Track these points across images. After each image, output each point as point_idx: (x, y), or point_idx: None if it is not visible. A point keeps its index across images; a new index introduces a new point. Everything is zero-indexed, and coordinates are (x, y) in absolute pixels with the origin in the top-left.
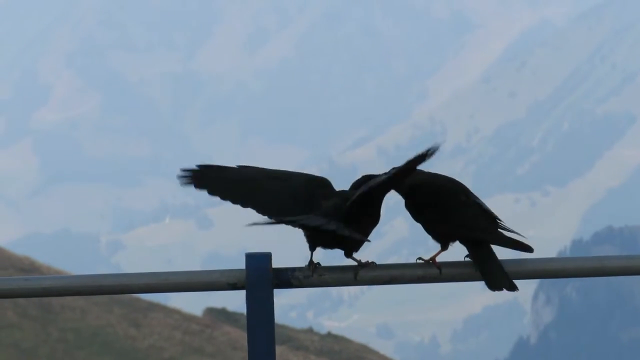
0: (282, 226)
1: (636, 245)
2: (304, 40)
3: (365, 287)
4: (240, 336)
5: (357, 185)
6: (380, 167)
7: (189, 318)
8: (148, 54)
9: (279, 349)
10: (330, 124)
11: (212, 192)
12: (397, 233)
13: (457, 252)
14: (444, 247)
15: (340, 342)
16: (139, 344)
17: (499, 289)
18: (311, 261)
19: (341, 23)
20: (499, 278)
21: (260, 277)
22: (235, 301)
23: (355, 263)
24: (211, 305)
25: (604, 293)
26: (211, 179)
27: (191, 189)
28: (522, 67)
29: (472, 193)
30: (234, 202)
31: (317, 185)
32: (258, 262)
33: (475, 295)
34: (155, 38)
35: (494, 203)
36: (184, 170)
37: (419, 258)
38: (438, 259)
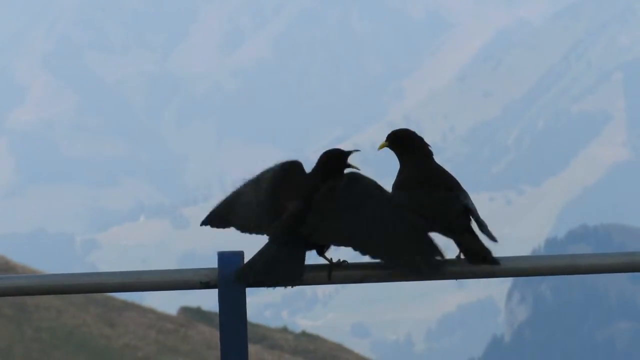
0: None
1: (611, 243)
2: (281, 40)
3: (340, 286)
4: (215, 335)
5: (325, 162)
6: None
7: (163, 317)
8: (124, 54)
9: (253, 348)
10: (307, 124)
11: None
12: None
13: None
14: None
15: (315, 341)
16: (113, 343)
17: (480, 261)
18: (330, 259)
19: (317, 23)
20: (480, 252)
21: (233, 276)
22: (210, 300)
23: (327, 262)
24: (186, 305)
25: (578, 291)
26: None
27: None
28: (497, 66)
29: (458, 191)
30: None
31: (284, 177)
32: (230, 260)
33: (450, 294)
34: (131, 38)
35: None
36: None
37: None
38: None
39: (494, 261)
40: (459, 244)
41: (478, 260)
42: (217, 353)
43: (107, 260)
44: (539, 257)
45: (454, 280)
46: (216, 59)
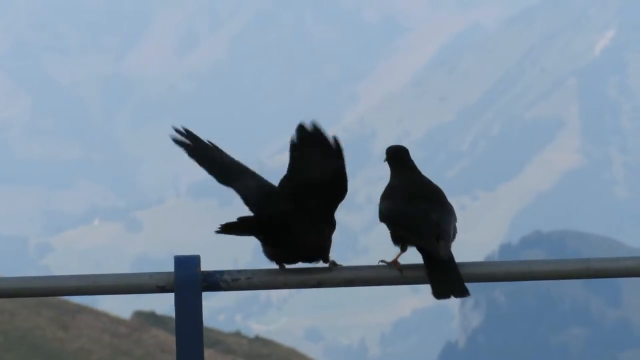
0: (209, 228)
1: (564, 249)
2: (235, 43)
3: (294, 291)
4: (169, 339)
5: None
6: None
7: (117, 321)
8: (79, 56)
9: (206, 352)
10: (261, 127)
11: (201, 164)
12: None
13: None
14: (403, 249)
15: (269, 345)
16: (67, 346)
17: (445, 296)
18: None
19: (272, 26)
20: (448, 283)
21: (189, 280)
22: (164, 304)
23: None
24: (140, 309)
25: (532, 297)
26: (200, 152)
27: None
28: (452, 70)
29: (439, 201)
30: (226, 183)
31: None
32: (187, 264)
33: (404, 298)
34: (86, 40)
35: None
36: (178, 131)
37: (382, 260)
38: (400, 261)
39: (462, 294)
40: (427, 266)
41: (442, 296)
42: (171, 357)
43: (61, 263)
44: (494, 263)
45: (409, 285)
46: (171, 61)
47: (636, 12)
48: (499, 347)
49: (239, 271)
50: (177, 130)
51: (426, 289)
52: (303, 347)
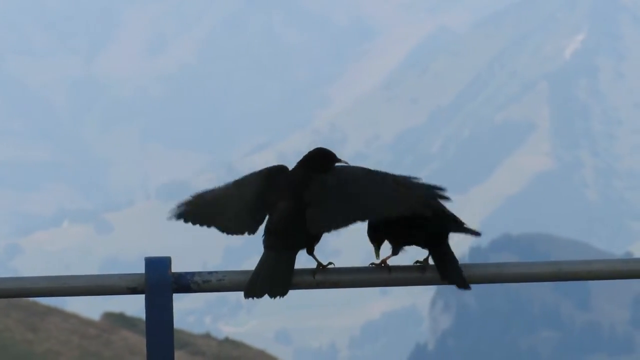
0: (179, 230)
1: (533, 252)
2: (205, 45)
3: None
4: (138, 341)
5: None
6: None
7: (86, 322)
8: (48, 58)
9: (176, 354)
10: (230, 130)
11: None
12: None
13: (407, 257)
14: (395, 251)
15: (239, 347)
16: (36, 348)
17: (453, 282)
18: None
19: (241, 29)
20: (454, 274)
21: (160, 282)
22: (134, 306)
23: (315, 264)
24: (109, 310)
25: (502, 300)
26: (197, 208)
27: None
28: (423, 73)
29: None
30: (207, 225)
31: (270, 179)
32: (157, 266)
33: (373, 301)
34: (55, 42)
35: None
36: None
37: (372, 263)
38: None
39: (465, 285)
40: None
41: (451, 279)
42: (140, 359)
43: (30, 265)
44: (465, 266)
45: (378, 288)
46: (140, 63)
47: (606, 16)
48: (468, 349)
49: (209, 272)
50: (179, 215)
51: (395, 291)
52: (273, 350)
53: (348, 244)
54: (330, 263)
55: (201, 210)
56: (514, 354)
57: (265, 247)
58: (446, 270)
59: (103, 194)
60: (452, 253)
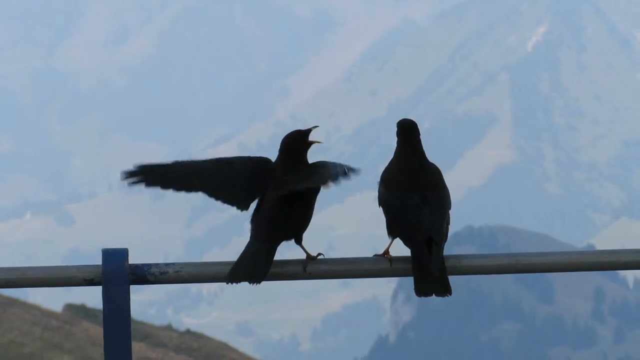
0: (141, 222)
1: (495, 244)
2: (165, 37)
3: (225, 285)
4: (100, 332)
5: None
6: None
7: (48, 314)
8: (9, 49)
9: (137, 346)
10: (192, 121)
11: (164, 187)
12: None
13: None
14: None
15: (200, 339)
16: None
17: (426, 294)
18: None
19: (202, 20)
20: (432, 281)
21: (117, 273)
22: (95, 297)
23: (304, 255)
24: (71, 302)
25: (463, 292)
26: (157, 175)
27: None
28: (383, 65)
29: (435, 192)
30: (187, 189)
31: (258, 165)
32: (114, 257)
33: (334, 293)
34: (16, 34)
35: (354, 202)
36: (128, 173)
37: (375, 254)
38: (391, 251)
39: (443, 293)
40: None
41: (423, 294)
42: (102, 350)
43: None
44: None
45: (339, 280)
46: (102, 55)
47: (568, 8)
48: (429, 342)
49: (167, 264)
50: (129, 173)
51: (356, 283)
52: (234, 342)
53: (315, 234)
54: (319, 254)
55: (178, 177)
56: (475, 346)
57: (251, 237)
58: (420, 282)
59: (65, 185)
60: (434, 259)
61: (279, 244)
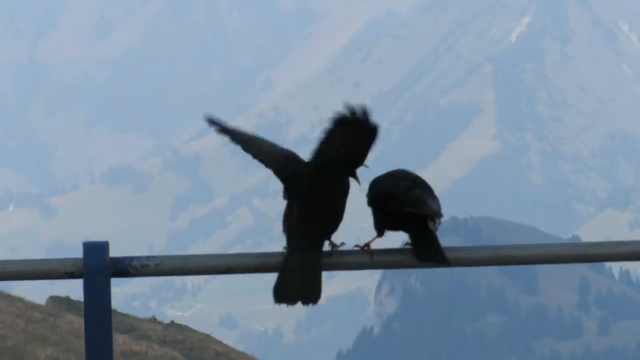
0: (125, 214)
1: (480, 236)
2: (149, 30)
3: (209, 277)
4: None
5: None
6: (224, 158)
7: (32, 306)
8: None
9: (121, 338)
10: (175, 114)
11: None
12: (242, 222)
13: (393, 239)
14: (380, 233)
15: (184, 331)
16: None
17: (427, 260)
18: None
19: (186, 13)
20: (431, 252)
21: (98, 266)
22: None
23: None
24: (55, 294)
25: (447, 284)
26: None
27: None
28: (367, 57)
29: (425, 185)
30: (254, 154)
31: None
32: (95, 250)
33: None
34: (0, 26)
35: None
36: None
37: (356, 245)
38: (372, 246)
39: (443, 260)
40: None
41: (425, 257)
42: None
43: None
44: (405, 250)
45: (323, 272)
46: (85, 48)
47: None
48: (414, 333)
49: (147, 257)
50: (211, 121)
51: (340, 275)
52: (218, 334)
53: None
54: (342, 243)
55: (242, 137)
56: (459, 338)
57: (289, 246)
58: (421, 251)
59: (48, 178)
60: (431, 234)
61: (321, 250)
